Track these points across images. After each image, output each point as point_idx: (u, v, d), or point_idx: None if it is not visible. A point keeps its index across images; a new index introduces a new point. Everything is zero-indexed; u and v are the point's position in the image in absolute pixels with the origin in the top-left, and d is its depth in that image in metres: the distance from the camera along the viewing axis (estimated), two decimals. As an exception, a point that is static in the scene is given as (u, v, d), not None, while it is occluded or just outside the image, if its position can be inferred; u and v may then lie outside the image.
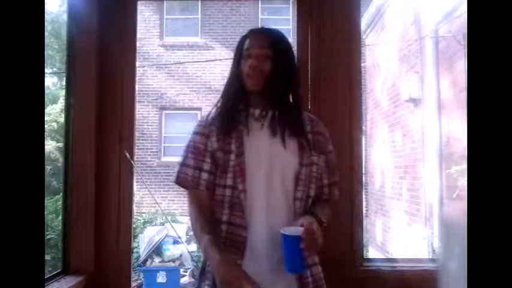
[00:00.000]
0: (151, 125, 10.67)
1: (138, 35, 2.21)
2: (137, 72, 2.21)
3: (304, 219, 1.35)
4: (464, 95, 4.55)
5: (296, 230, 1.30)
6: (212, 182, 1.45)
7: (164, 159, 10.57)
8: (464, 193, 0.76)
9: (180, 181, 1.48)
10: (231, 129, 1.44)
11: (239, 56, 1.47)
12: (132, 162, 2.07)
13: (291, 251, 1.30)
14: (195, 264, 7.52)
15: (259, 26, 11.14)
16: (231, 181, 1.41)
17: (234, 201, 1.41)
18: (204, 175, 1.44)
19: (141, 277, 6.99)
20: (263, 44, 1.44)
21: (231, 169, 1.41)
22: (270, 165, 1.41)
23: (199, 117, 10.48)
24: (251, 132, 1.43)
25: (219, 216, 1.44)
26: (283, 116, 1.45)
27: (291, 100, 1.50)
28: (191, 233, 8.97)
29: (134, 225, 4.29)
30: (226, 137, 1.44)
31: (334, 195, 1.55)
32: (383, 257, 6.89)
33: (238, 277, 1.22)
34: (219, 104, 1.50)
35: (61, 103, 9.66)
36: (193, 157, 1.47)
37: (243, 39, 1.49)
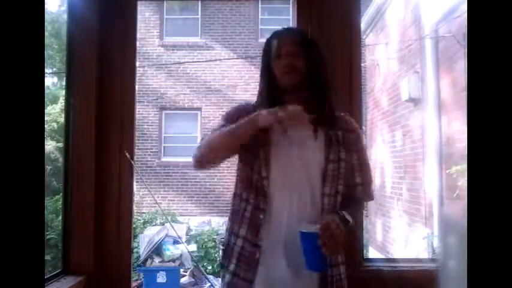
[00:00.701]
0: (151, 125, 10.67)
1: (138, 35, 2.21)
2: (137, 72, 2.21)
3: (325, 217, 1.35)
4: (464, 95, 4.55)
5: (313, 228, 1.29)
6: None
7: (164, 159, 10.56)
8: (464, 193, 0.76)
9: (198, 156, 1.49)
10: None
11: (269, 58, 1.51)
12: (132, 162, 2.07)
13: (308, 249, 1.30)
14: (195, 264, 7.53)
15: (259, 26, 11.10)
16: (258, 168, 1.43)
17: (258, 185, 1.43)
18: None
19: (141, 277, 6.99)
20: (292, 41, 1.49)
21: (256, 159, 1.43)
22: (297, 160, 1.43)
23: (199, 117, 10.55)
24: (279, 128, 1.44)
25: (243, 196, 1.46)
26: (316, 111, 1.47)
27: (325, 96, 1.52)
28: (191, 233, 8.99)
29: (134, 225, 4.28)
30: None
31: (370, 194, 1.56)
32: (383, 257, 6.89)
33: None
34: (256, 101, 1.53)
35: (61, 103, 9.66)
36: (222, 123, 1.49)
37: (269, 41, 1.53)
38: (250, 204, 1.44)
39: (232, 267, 1.44)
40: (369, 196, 1.56)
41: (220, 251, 1.54)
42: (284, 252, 1.40)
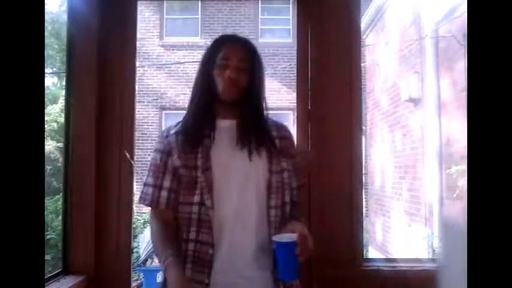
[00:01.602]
0: (151, 125, 10.66)
1: (138, 35, 2.21)
2: (137, 72, 2.21)
3: (292, 225, 1.33)
4: (464, 95, 4.55)
5: (290, 237, 1.27)
6: (174, 200, 1.42)
7: (164, 159, 10.55)
8: (464, 193, 0.76)
9: (142, 201, 1.47)
10: (196, 144, 1.40)
11: (211, 64, 1.44)
12: (132, 162, 2.07)
13: (285, 258, 1.28)
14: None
15: (259, 26, 11.05)
16: (198, 198, 1.37)
17: (202, 219, 1.37)
18: (164, 193, 1.42)
19: (141, 277, 6.99)
20: (241, 56, 1.43)
21: (198, 185, 1.37)
22: (240, 176, 1.39)
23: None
24: (218, 145, 1.41)
25: (185, 235, 1.40)
26: (251, 125, 1.43)
27: (261, 112, 1.48)
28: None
29: (134, 225, 4.29)
30: (190, 152, 1.40)
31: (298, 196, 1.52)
32: (383, 257, 6.89)
33: None
34: (185, 116, 1.47)
35: (61, 103, 9.66)
36: (152, 175, 1.45)
37: (216, 46, 1.46)
38: (197, 242, 1.38)
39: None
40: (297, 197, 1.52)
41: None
42: (233, 267, 1.37)
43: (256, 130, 1.43)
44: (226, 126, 1.44)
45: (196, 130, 1.42)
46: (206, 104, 1.44)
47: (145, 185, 1.47)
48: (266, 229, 1.39)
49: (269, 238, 1.37)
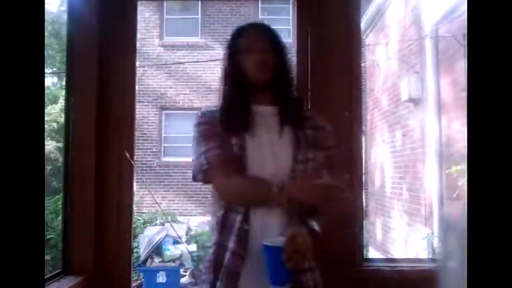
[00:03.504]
0: (151, 125, 10.67)
1: (138, 35, 2.21)
2: (137, 72, 2.21)
3: (291, 228, 1.31)
4: (464, 95, 4.55)
5: (278, 241, 1.26)
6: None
7: (164, 159, 10.56)
8: (464, 193, 0.76)
9: (199, 172, 1.44)
10: (234, 128, 1.42)
11: (235, 55, 1.45)
12: (132, 162, 2.07)
13: (271, 262, 1.26)
14: (195, 264, 7.53)
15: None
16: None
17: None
18: (217, 151, 1.41)
19: (141, 277, 6.99)
20: (263, 37, 1.45)
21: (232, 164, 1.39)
22: (270, 161, 1.40)
23: (199, 117, 10.53)
24: (254, 130, 1.42)
25: (218, 204, 1.43)
26: (287, 111, 1.45)
27: (294, 94, 1.50)
28: (191, 233, 8.98)
29: (134, 225, 4.28)
30: (228, 135, 1.41)
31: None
32: (383, 257, 6.89)
33: None
34: (220, 103, 1.48)
35: (61, 103, 9.66)
36: (203, 144, 1.44)
37: (236, 36, 1.48)
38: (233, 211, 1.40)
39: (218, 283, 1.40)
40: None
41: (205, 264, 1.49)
42: (255, 259, 1.36)
43: (291, 115, 1.45)
44: (262, 111, 1.45)
45: (233, 115, 1.43)
46: (239, 95, 1.45)
47: (198, 156, 1.44)
48: (287, 216, 1.38)
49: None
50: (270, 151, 1.41)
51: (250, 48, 1.43)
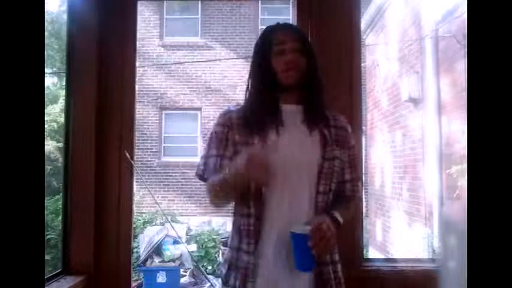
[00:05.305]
0: (151, 125, 10.66)
1: (138, 35, 2.21)
2: (137, 72, 2.21)
3: (316, 218, 1.35)
4: (464, 95, 4.55)
5: (305, 229, 1.31)
6: None
7: (164, 159, 10.56)
8: (464, 193, 0.76)
9: (201, 172, 1.47)
10: (261, 126, 1.43)
11: (266, 53, 1.45)
12: (132, 162, 2.07)
13: (299, 249, 1.31)
14: (195, 264, 7.53)
15: (260, 26, 11.08)
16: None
17: (255, 192, 1.40)
18: (226, 162, 1.43)
19: (141, 277, 6.99)
20: (295, 38, 1.45)
21: None
22: (296, 160, 1.41)
23: (199, 117, 10.55)
24: (281, 128, 1.43)
25: (239, 210, 1.44)
26: (313, 110, 1.46)
27: (322, 94, 1.51)
28: (191, 233, 8.99)
29: (134, 225, 4.29)
30: (253, 132, 1.42)
31: (358, 191, 1.56)
32: (383, 257, 6.89)
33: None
34: (247, 100, 1.49)
35: (61, 103, 9.66)
36: (214, 147, 1.46)
37: (268, 35, 1.48)
38: (252, 216, 1.42)
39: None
40: (357, 192, 1.56)
41: (222, 268, 1.51)
42: (275, 253, 1.39)
43: (321, 116, 1.47)
44: (288, 110, 1.46)
45: (260, 113, 1.44)
46: (268, 94, 1.45)
47: (206, 157, 1.48)
48: (313, 213, 1.41)
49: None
50: (298, 149, 1.42)
51: (282, 48, 1.43)
